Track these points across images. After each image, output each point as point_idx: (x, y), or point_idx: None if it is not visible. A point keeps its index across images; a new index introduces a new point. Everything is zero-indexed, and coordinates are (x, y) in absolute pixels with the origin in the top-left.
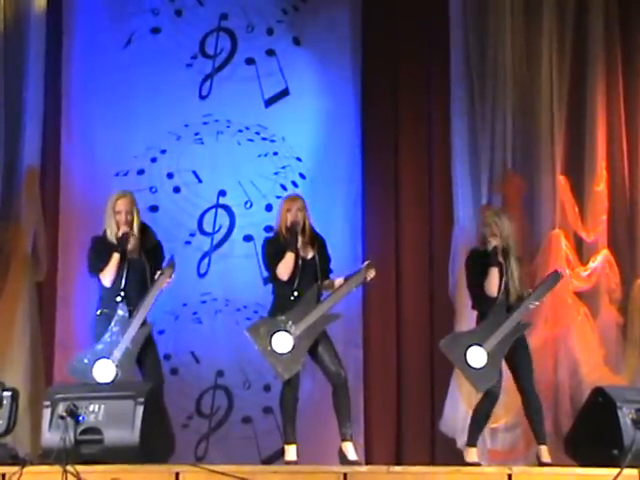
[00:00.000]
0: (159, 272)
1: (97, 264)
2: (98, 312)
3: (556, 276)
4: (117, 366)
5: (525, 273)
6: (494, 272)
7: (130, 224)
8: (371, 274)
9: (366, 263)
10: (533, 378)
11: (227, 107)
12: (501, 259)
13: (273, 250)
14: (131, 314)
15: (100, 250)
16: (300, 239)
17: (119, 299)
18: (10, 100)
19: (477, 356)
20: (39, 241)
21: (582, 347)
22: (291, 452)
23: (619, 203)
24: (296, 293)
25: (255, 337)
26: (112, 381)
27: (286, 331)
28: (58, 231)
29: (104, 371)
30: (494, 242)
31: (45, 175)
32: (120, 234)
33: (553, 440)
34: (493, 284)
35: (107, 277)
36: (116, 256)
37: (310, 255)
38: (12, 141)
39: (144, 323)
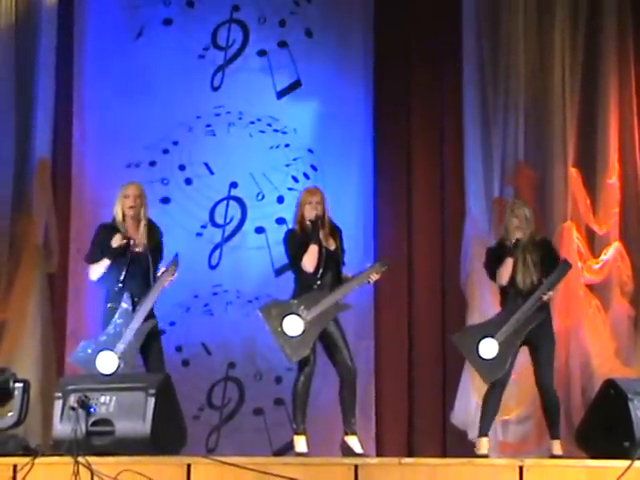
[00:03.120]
0: (162, 269)
1: (93, 254)
2: (109, 305)
3: (565, 265)
4: (119, 358)
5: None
6: (509, 262)
7: (137, 211)
8: (375, 276)
9: (372, 265)
10: (550, 374)
11: (239, 99)
12: (520, 252)
13: (296, 241)
14: (134, 307)
15: (102, 239)
16: (321, 231)
17: (117, 290)
18: (22, 92)
19: (489, 347)
20: (50, 232)
21: (593, 339)
22: (301, 443)
23: (631, 196)
24: (319, 282)
25: (267, 317)
26: (114, 373)
27: (298, 315)
28: (70, 222)
29: (107, 362)
30: (518, 235)
31: (56, 167)
32: (115, 245)
33: (565, 432)
34: (505, 272)
35: (94, 273)
36: (105, 262)
37: (333, 246)
38: (24, 133)
39: (149, 317)
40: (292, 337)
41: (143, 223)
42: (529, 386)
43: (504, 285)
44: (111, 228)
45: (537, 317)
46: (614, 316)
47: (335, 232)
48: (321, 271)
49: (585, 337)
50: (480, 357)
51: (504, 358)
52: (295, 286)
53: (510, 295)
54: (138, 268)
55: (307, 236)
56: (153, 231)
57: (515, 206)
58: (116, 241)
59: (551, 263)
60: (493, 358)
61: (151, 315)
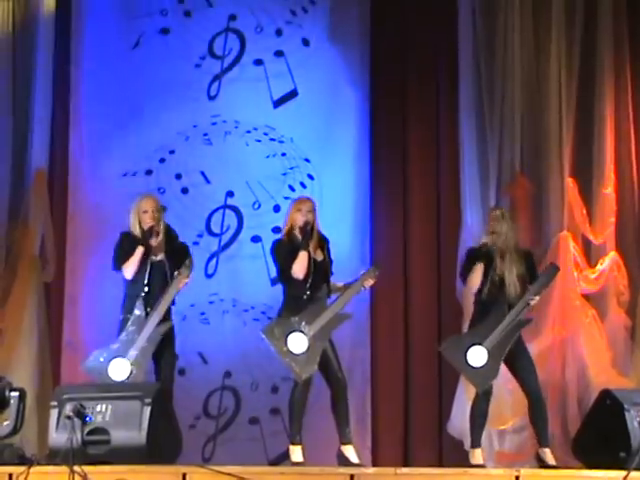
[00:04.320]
0: (176, 272)
1: (121, 258)
2: (122, 317)
3: (553, 269)
4: (132, 365)
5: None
6: (479, 267)
7: (157, 222)
8: (369, 282)
9: (363, 271)
10: (536, 380)
11: (235, 108)
12: (497, 256)
13: (284, 251)
14: (147, 314)
15: (126, 245)
16: (310, 240)
17: (142, 295)
18: (19, 102)
19: (478, 355)
20: (47, 242)
21: (590, 349)
22: (297, 453)
23: (627, 206)
24: (309, 292)
25: (270, 338)
26: (127, 379)
27: (300, 332)
28: (66, 232)
29: (119, 370)
30: (485, 239)
31: (53, 176)
32: (146, 228)
33: (561, 442)
34: (474, 278)
35: (129, 270)
36: (140, 249)
37: (320, 257)
38: (21, 143)
39: (163, 320)
40: (298, 355)
41: (161, 236)
42: (524, 396)
43: (473, 291)
44: (131, 237)
45: (525, 322)
46: (610, 326)
47: (323, 243)
48: (310, 281)
49: (581, 347)
50: (470, 366)
51: (495, 365)
52: (284, 297)
53: (491, 302)
54: (157, 277)
55: (295, 245)
56: (170, 237)
57: (490, 212)
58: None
59: (531, 276)
60: (483, 366)
61: (167, 318)
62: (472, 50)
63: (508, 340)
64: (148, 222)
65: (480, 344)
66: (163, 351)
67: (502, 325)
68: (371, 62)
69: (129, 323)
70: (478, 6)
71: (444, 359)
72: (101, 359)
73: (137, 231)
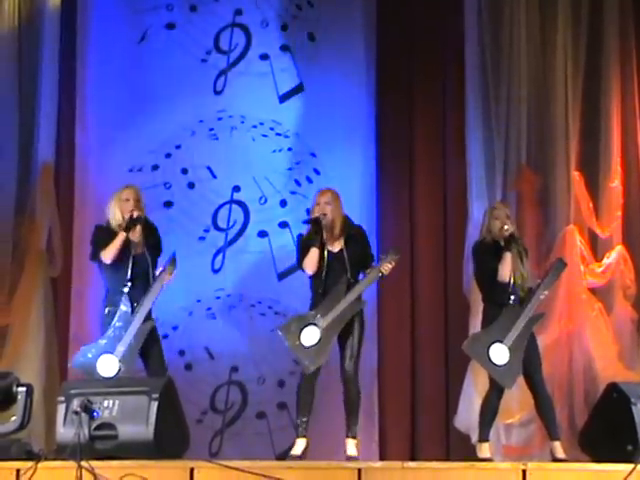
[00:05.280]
0: (160, 269)
1: (99, 246)
2: (106, 311)
3: (560, 264)
4: (120, 361)
5: (538, 267)
6: (509, 257)
7: (139, 211)
8: (388, 267)
9: (384, 256)
10: (542, 374)
11: (241, 103)
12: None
13: (302, 246)
14: (134, 310)
15: (103, 236)
16: (325, 232)
17: (126, 290)
18: (25, 97)
19: (500, 353)
20: (54, 237)
21: (596, 343)
22: (297, 446)
23: (634, 199)
24: (324, 286)
25: (285, 334)
26: (115, 376)
27: (314, 324)
28: (73, 227)
29: (107, 366)
30: (511, 229)
31: (60, 171)
32: (135, 215)
33: (568, 436)
34: (506, 269)
35: (108, 254)
36: (122, 234)
37: (337, 248)
38: (27, 138)
39: (147, 318)
40: (309, 347)
41: (142, 228)
42: None
43: (506, 281)
44: (108, 230)
45: (539, 316)
46: (617, 319)
47: (350, 232)
48: (324, 275)
49: (588, 340)
50: (495, 364)
51: (517, 362)
52: (310, 292)
53: (505, 292)
54: (139, 270)
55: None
56: (149, 230)
57: (497, 207)
58: (135, 213)
59: None
60: (506, 363)
61: (148, 317)
62: (478, 45)
63: (525, 336)
64: (130, 210)
65: (501, 342)
66: (149, 348)
67: (519, 322)
68: (377, 57)
69: (115, 319)
70: (484, 1)
71: (451, 353)
72: (89, 355)
73: (116, 221)
